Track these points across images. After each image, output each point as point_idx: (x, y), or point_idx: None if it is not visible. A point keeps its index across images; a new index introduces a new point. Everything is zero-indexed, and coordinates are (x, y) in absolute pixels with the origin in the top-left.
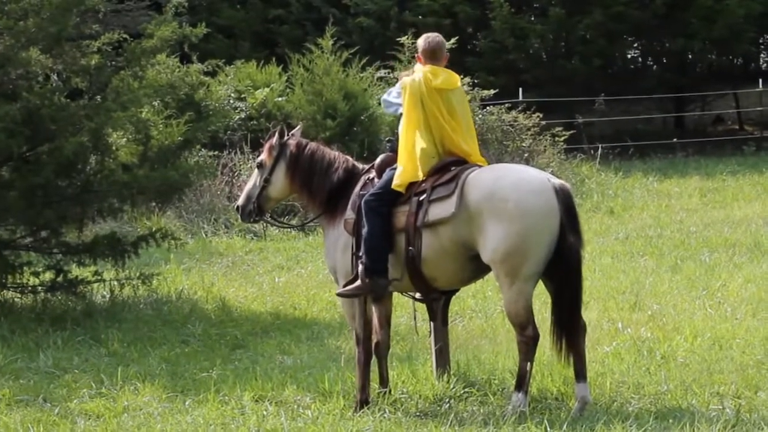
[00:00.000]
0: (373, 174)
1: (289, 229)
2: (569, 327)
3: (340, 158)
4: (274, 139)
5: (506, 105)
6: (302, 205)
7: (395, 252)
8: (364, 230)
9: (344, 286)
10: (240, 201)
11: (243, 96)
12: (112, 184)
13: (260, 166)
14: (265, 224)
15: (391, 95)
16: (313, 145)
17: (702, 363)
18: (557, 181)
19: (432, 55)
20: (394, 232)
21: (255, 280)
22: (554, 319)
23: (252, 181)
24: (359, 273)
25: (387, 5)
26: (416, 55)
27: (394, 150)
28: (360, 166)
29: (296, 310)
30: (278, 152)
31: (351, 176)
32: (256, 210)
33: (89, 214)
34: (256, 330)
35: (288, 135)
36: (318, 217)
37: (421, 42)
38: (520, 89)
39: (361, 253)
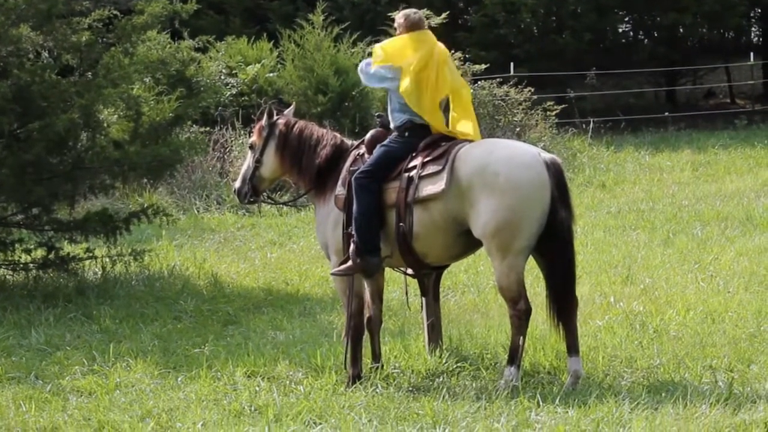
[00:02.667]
0: (363, 150)
1: (283, 206)
2: (562, 301)
3: (327, 135)
4: (264, 120)
5: (498, 80)
6: (292, 181)
7: (386, 228)
8: (355, 209)
9: (339, 265)
10: (236, 184)
11: (234, 72)
12: (104, 160)
13: (251, 147)
14: (259, 204)
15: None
16: (301, 123)
17: (694, 336)
18: (548, 156)
19: (416, 28)
20: (385, 209)
21: (247, 255)
22: (547, 293)
23: (246, 162)
24: (350, 253)
25: None
26: (399, 31)
27: (385, 125)
28: (349, 142)
29: (288, 285)
30: (268, 132)
31: (340, 152)
32: (251, 191)
33: (80, 190)
34: (249, 306)
35: (277, 114)
36: (308, 193)
37: (402, 17)
38: (512, 64)
39: (352, 231)
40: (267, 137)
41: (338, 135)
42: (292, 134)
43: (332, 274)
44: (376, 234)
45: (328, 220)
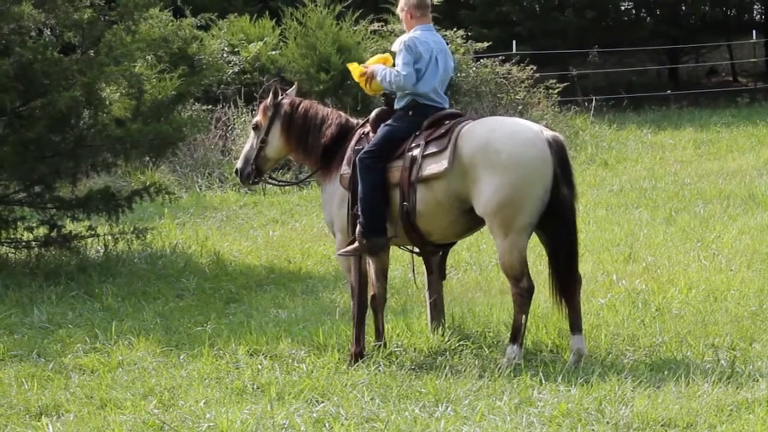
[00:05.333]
0: (368, 128)
1: (285, 186)
2: (565, 279)
3: (332, 114)
4: (268, 100)
5: (500, 57)
6: (297, 161)
7: (390, 207)
8: (360, 189)
9: (346, 246)
10: (238, 164)
11: (236, 50)
12: (106, 138)
13: (256, 127)
14: (263, 185)
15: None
16: (306, 102)
17: (697, 315)
18: (550, 133)
19: (421, 5)
20: (389, 188)
21: (249, 234)
22: (550, 271)
23: (249, 143)
24: (357, 234)
25: None
26: (405, 10)
27: (389, 104)
28: (354, 120)
29: (291, 263)
30: (273, 112)
31: (345, 131)
32: (255, 172)
33: (83, 168)
34: (251, 284)
35: (282, 94)
36: (314, 173)
37: None
38: (514, 42)
39: (357, 212)
40: (272, 117)
41: (343, 114)
42: (297, 114)
43: (339, 254)
44: (382, 214)
45: (333, 198)
